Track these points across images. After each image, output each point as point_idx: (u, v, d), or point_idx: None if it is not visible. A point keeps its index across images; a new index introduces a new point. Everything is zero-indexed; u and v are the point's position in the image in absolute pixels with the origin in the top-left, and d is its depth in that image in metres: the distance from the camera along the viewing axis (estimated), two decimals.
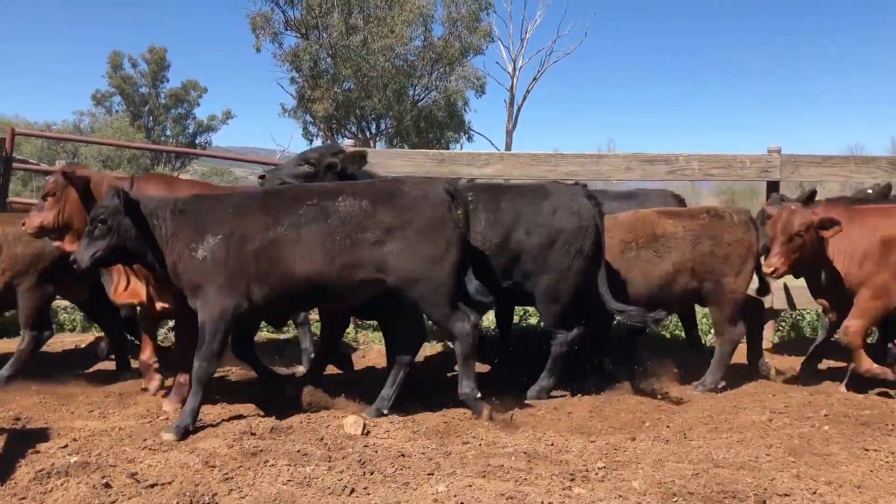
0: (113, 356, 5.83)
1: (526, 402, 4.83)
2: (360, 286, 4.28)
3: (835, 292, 5.08)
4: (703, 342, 6.65)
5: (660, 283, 5.14)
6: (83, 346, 6.59)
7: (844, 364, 5.40)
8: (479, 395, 4.37)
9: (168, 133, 45.49)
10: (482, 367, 5.46)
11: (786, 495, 3.23)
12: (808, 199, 5.17)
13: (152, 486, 3.24)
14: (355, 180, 4.81)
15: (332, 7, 28.84)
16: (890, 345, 5.29)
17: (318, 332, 5.85)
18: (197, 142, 45.34)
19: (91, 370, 5.78)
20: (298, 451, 3.65)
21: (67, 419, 4.37)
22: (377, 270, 4.21)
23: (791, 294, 6.92)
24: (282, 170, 5.16)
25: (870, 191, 6.53)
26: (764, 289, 5.57)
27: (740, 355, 5.55)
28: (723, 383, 5.22)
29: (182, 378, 4.54)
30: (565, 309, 4.91)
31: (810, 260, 4.96)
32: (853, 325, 4.91)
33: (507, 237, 4.82)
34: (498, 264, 4.80)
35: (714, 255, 5.14)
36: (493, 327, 6.83)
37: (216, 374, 4.80)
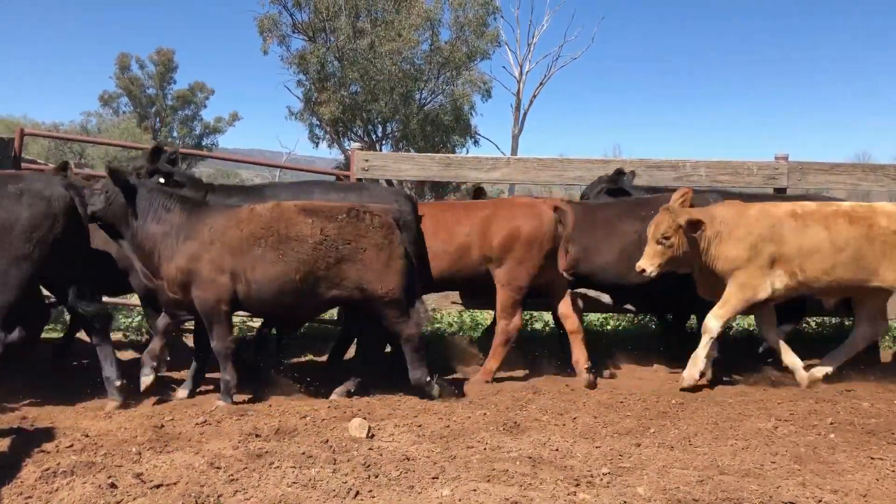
0: None
1: None
2: None
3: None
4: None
5: (291, 289, 4.73)
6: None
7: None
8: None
9: (175, 134, 45.68)
10: None
11: (791, 503, 3.22)
12: None
13: (158, 486, 3.25)
14: None
15: (340, 10, 28.88)
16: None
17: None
18: (203, 143, 45.53)
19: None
20: (303, 454, 3.66)
21: (73, 418, 4.39)
22: None
23: None
24: None
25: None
26: None
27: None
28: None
29: None
30: (13, 300, 4.54)
31: None
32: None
33: None
34: None
35: (352, 259, 4.77)
36: None
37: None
